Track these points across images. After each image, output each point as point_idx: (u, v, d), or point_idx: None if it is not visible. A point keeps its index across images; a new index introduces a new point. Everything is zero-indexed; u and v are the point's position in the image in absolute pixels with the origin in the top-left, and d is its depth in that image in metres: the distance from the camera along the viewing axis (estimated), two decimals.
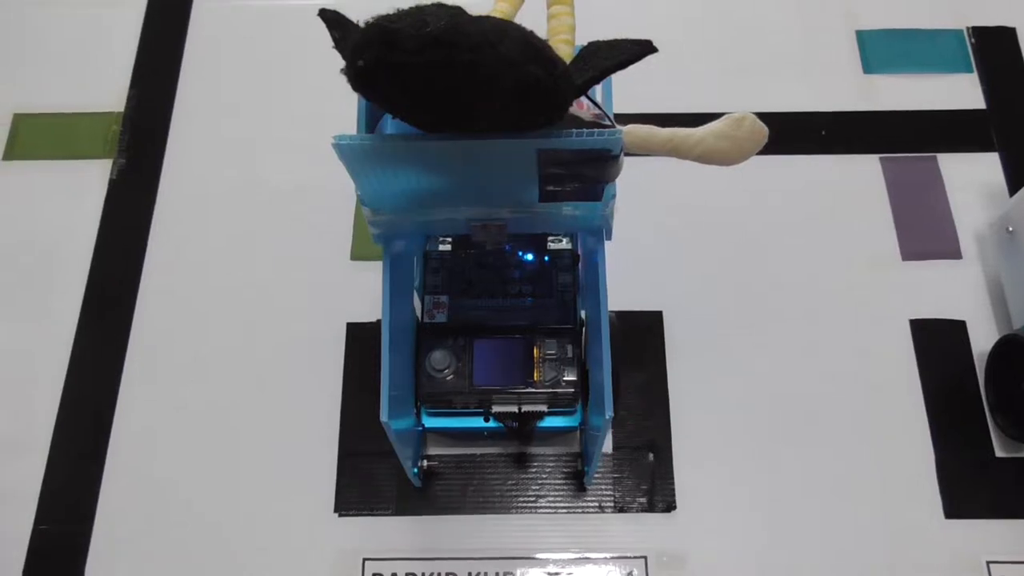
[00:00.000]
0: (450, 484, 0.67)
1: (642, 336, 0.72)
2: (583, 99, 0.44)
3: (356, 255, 0.75)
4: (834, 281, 0.74)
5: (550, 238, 0.60)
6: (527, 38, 0.35)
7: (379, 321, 0.51)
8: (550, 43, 0.41)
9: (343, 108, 0.49)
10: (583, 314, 0.59)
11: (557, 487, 0.67)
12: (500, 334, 0.58)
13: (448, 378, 0.57)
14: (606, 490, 0.67)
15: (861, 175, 0.78)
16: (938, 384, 0.70)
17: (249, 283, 0.74)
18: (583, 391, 0.58)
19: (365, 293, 0.73)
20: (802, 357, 0.71)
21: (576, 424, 0.61)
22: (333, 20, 0.37)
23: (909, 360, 0.71)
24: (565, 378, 0.57)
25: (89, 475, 0.68)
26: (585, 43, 0.40)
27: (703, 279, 0.74)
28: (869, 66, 0.83)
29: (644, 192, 0.72)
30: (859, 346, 0.71)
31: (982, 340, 0.71)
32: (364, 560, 0.65)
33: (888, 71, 0.83)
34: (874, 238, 0.75)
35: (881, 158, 0.78)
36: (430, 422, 0.61)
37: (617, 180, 0.44)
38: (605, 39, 0.39)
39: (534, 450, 0.67)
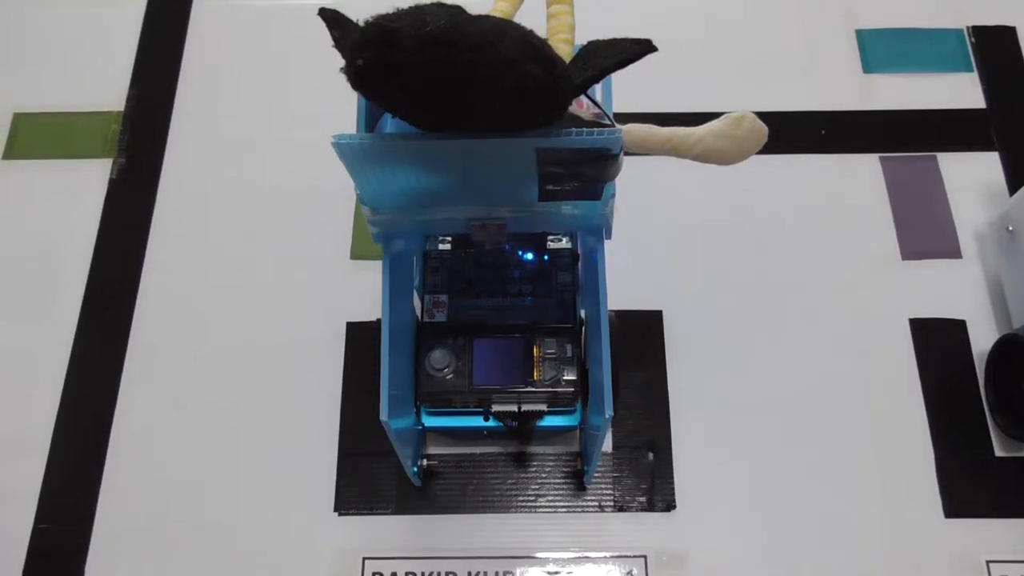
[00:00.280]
0: (450, 483, 0.67)
1: (642, 335, 0.72)
2: (582, 98, 0.44)
3: (356, 254, 0.75)
4: (834, 280, 0.74)
5: (550, 237, 0.60)
6: (526, 37, 0.35)
7: (379, 320, 0.51)
8: (550, 42, 0.41)
9: (343, 108, 0.49)
10: (583, 313, 0.59)
11: (557, 486, 0.67)
12: (500, 333, 0.58)
13: (448, 377, 0.57)
14: (606, 489, 0.67)
15: (861, 174, 0.78)
16: (938, 383, 0.70)
17: (249, 282, 0.74)
18: (583, 390, 0.58)
19: (365, 292, 0.73)
20: (802, 356, 0.71)
21: (576, 423, 0.61)
22: (333, 19, 0.37)
23: (909, 360, 0.71)
24: (565, 377, 0.57)
25: (89, 475, 0.68)
26: (584, 42, 0.40)
27: (703, 278, 0.74)
28: (869, 65, 0.83)
29: (644, 191, 0.72)
30: (859, 345, 0.71)
31: (982, 339, 0.71)
32: (364, 559, 0.65)
33: (888, 70, 0.83)
34: (874, 237, 0.75)
35: (881, 157, 0.78)
36: (430, 421, 0.61)
37: (616, 179, 0.44)
38: (604, 38, 0.39)
39: (534, 449, 0.68)
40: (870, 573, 0.64)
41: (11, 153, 0.80)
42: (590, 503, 0.66)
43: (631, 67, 0.39)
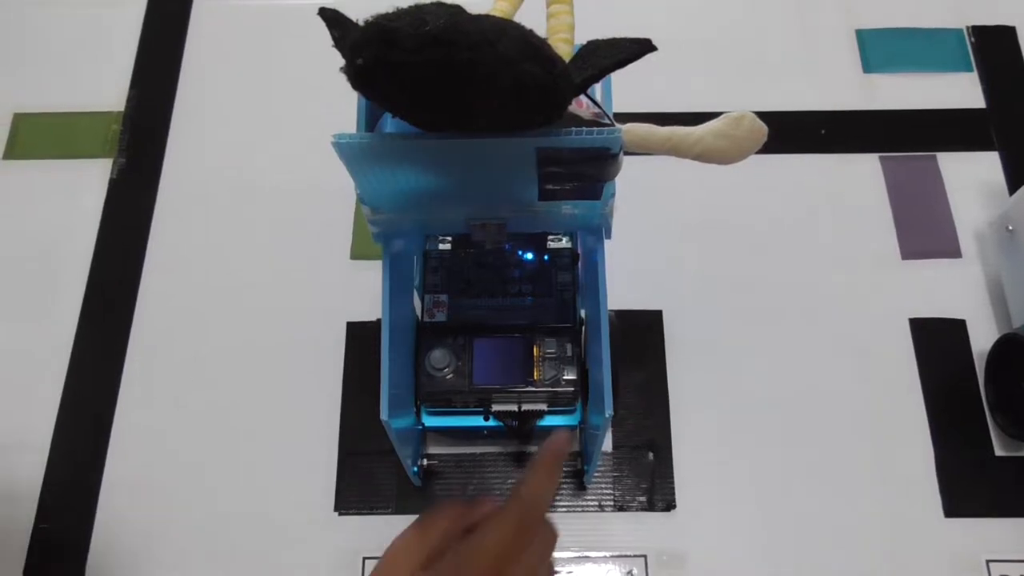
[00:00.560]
0: (450, 483, 0.67)
1: (642, 335, 0.72)
2: (582, 98, 0.44)
3: (356, 254, 0.75)
4: (834, 280, 0.74)
5: (550, 237, 0.60)
6: (526, 37, 0.35)
7: (379, 320, 0.51)
8: (549, 42, 0.41)
9: (342, 107, 0.49)
10: (582, 313, 0.59)
11: (557, 486, 0.66)
12: (500, 333, 0.58)
13: (448, 377, 0.57)
14: (606, 489, 0.67)
15: (861, 174, 0.78)
16: (938, 383, 0.70)
17: (249, 282, 0.74)
18: (583, 390, 0.58)
19: (365, 292, 0.73)
20: (802, 356, 0.71)
21: (576, 423, 0.61)
22: (332, 19, 0.37)
23: (909, 359, 0.71)
24: (565, 377, 0.57)
25: (89, 475, 0.68)
26: (584, 42, 0.40)
27: (703, 278, 0.74)
28: (869, 65, 0.83)
29: (643, 191, 0.72)
30: (859, 345, 0.71)
31: (982, 339, 0.71)
32: (364, 559, 0.65)
33: (888, 70, 0.83)
34: (874, 237, 0.75)
35: (881, 157, 0.78)
36: (430, 421, 0.61)
37: (616, 179, 0.45)
38: (604, 38, 0.39)
39: (534, 449, 0.67)
40: (870, 573, 0.64)
41: (11, 153, 0.80)
42: (590, 503, 0.66)
43: (630, 66, 0.38)
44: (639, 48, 0.37)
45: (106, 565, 0.65)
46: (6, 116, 0.82)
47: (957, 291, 0.73)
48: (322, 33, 0.38)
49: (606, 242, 0.52)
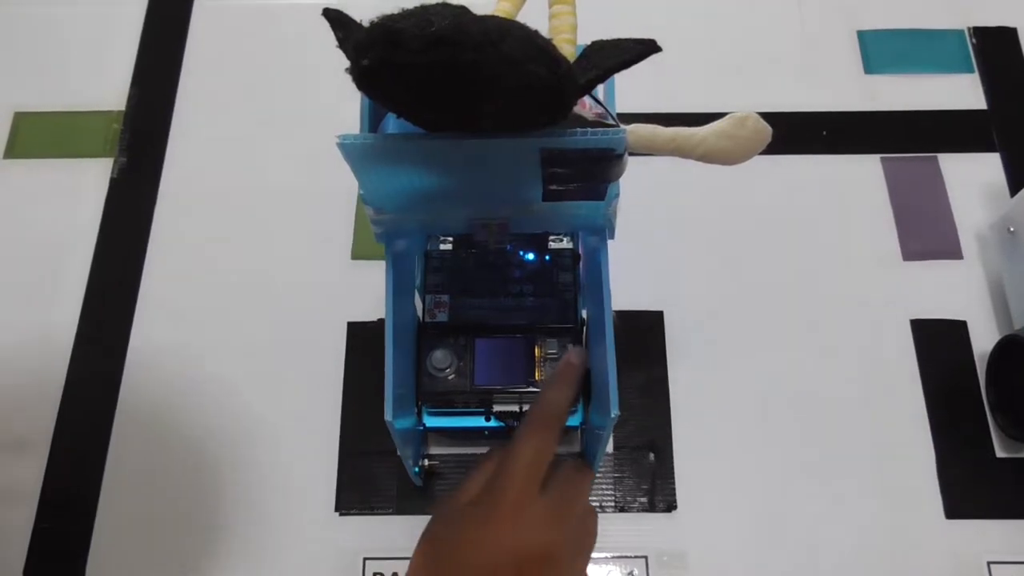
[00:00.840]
0: (451, 483, 0.67)
1: (643, 336, 0.72)
2: (586, 98, 0.44)
3: (357, 254, 0.75)
4: (835, 281, 0.74)
5: (551, 237, 0.60)
6: (531, 37, 0.35)
7: (380, 320, 0.51)
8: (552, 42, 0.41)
9: (344, 107, 0.49)
10: (584, 313, 0.59)
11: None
12: (501, 333, 0.58)
13: (449, 377, 0.57)
14: (607, 490, 0.67)
15: (862, 175, 0.78)
16: (939, 384, 0.70)
17: (249, 282, 0.74)
18: (584, 390, 0.58)
19: (366, 293, 0.73)
20: (803, 357, 0.71)
21: (577, 424, 0.61)
22: (336, 19, 0.37)
23: (910, 360, 0.71)
24: None
25: (89, 475, 0.68)
26: (587, 42, 0.40)
27: (704, 279, 0.74)
28: (870, 66, 0.83)
29: (645, 192, 0.72)
30: (860, 346, 0.71)
31: (983, 340, 0.71)
32: (365, 559, 0.65)
33: (889, 71, 0.83)
34: (875, 238, 0.75)
35: (882, 158, 0.78)
36: (431, 421, 0.61)
37: (619, 179, 0.45)
38: (608, 38, 0.39)
39: None
40: (871, 574, 0.64)
41: (12, 152, 0.80)
42: (591, 503, 0.66)
43: (633, 67, 0.39)
44: (643, 49, 0.37)
45: (106, 565, 0.65)
46: (6, 115, 0.82)
47: (958, 292, 0.73)
48: (323, 33, 0.38)
49: (608, 242, 0.52)
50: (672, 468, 0.67)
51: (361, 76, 0.35)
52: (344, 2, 0.39)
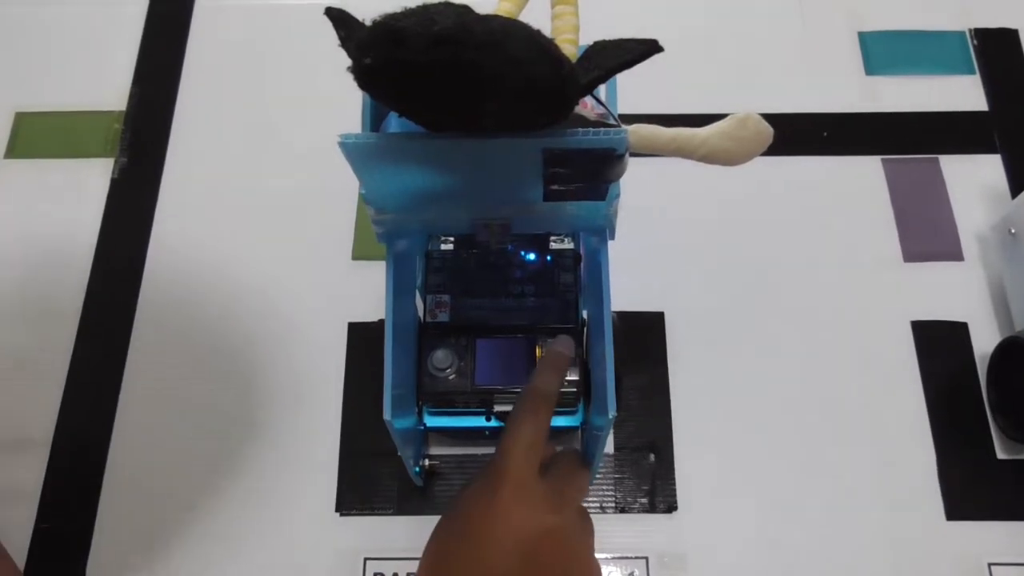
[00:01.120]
0: (451, 483, 0.67)
1: (644, 337, 0.72)
2: (587, 98, 0.44)
3: (357, 255, 0.75)
4: (836, 283, 0.74)
5: (552, 238, 0.60)
6: (534, 37, 0.35)
7: (381, 321, 0.50)
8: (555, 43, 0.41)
9: (344, 107, 0.49)
10: (584, 314, 0.59)
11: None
12: (502, 333, 0.58)
13: (450, 377, 0.57)
14: (607, 491, 0.67)
15: (863, 176, 0.78)
16: (940, 386, 0.70)
17: (250, 283, 0.74)
18: (584, 391, 0.58)
19: (367, 293, 0.73)
20: (803, 359, 0.71)
21: (577, 424, 0.61)
22: (339, 18, 0.37)
23: (911, 362, 0.71)
24: (567, 378, 0.56)
25: (90, 474, 0.68)
26: (589, 43, 0.40)
27: (705, 280, 0.74)
28: (871, 68, 0.83)
29: (646, 192, 0.71)
30: (861, 348, 0.71)
31: (984, 342, 0.71)
32: (365, 560, 0.65)
33: (890, 73, 0.83)
34: (876, 240, 0.75)
35: (883, 159, 0.78)
36: (432, 421, 0.61)
37: (620, 180, 0.44)
38: (610, 38, 0.39)
39: None
40: (872, 575, 0.64)
41: (13, 152, 0.80)
42: (591, 504, 0.66)
43: (635, 67, 0.38)
44: (645, 49, 0.37)
45: (106, 565, 0.65)
46: (8, 115, 0.82)
47: (959, 294, 0.73)
48: (324, 32, 0.38)
49: (608, 243, 0.52)
50: (672, 469, 0.67)
51: (363, 75, 0.35)
52: (346, 1, 0.39)
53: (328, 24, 0.38)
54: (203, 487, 0.67)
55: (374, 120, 0.46)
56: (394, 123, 0.45)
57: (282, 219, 0.77)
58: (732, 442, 0.68)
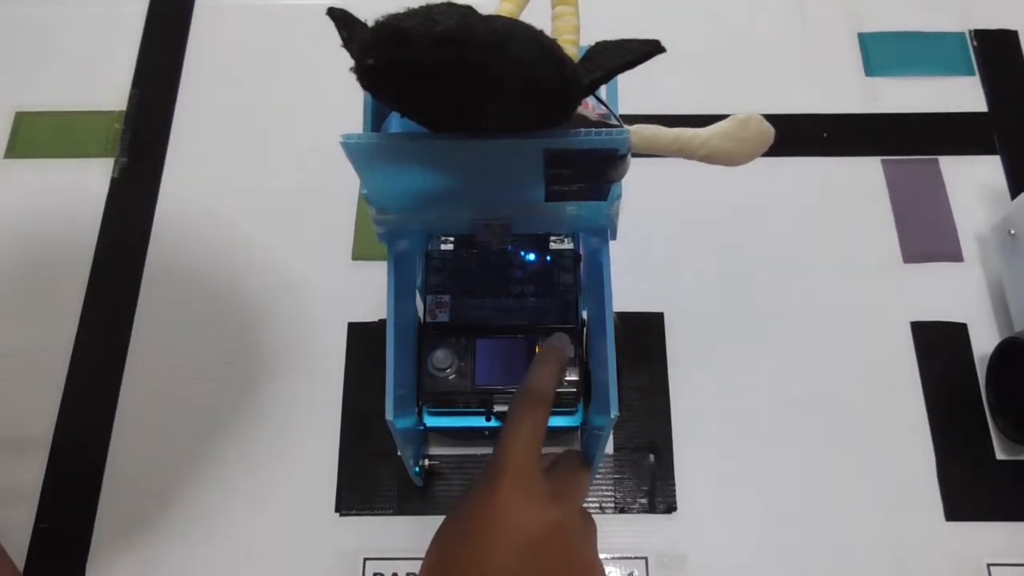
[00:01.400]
0: (451, 484, 0.67)
1: (644, 337, 0.72)
2: (589, 99, 0.44)
3: (358, 255, 0.75)
4: (835, 283, 0.74)
5: (552, 238, 0.60)
6: (537, 37, 0.35)
7: (381, 321, 0.50)
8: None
9: (345, 107, 0.49)
10: (584, 314, 0.59)
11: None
12: (502, 334, 0.58)
13: (450, 377, 0.57)
14: (607, 491, 0.67)
15: (863, 177, 0.78)
16: (939, 387, 0.70)
17: (250, 282, 0.74)
18: (584, 391, 0.58)
19: (366, 293, 0.73)
20: (803, 359, 0.71)
21: (577, 424, 0.61)
22: (341, 19, 0.37)
23: (910, 362, 0.71)
24: (567, 378, 0.57)
25: (90, 474, 0.68)
26: (589, 43, 0.40)
27: (705, 281, 0.74)
28: (871, 69, 0.83)
29: (646, 193, 0.72)
30: (860, 348, 0.71)
31: (983, 343, 0.71)
32: (365, 560, 0.65)
33: (890, 74, 0.83)
34: (875, 240, 0.75)
35: (883, 160, 0.79)
36: (432, 421, 0.61)
37: (622, 180, 0.45)
38: (612, 39, 0.39)
39: None
40: (871, 575, 0.64)
41: (13, 152, 0.80)
42: (591, 504, 0.66)
43: (636, 68, 0.39)
44: (648, 49, 0.37)
45: (106, 565, 0.65)
46: (8, 115, 0.82)
47: (959, 295, 0.73)
48: (324, 32, 0.38)
49: (609, 243, 0.52)
50: (672, 469, 0.67)
51: (366, 75, 0.35)
52: (348, 1, 0.39)
53: (328, 24, 0.38)
54: (203, 487, 0.67)
55: (375, 120, 0.46)
56: (395, 123, 0.45)
57: (282, 219, 0.77)
58: (732, 442, 0.68)
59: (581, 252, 0.60)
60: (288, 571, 0.65)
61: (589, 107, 0.44)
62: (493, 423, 0.60)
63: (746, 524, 0.66)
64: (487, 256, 0.60)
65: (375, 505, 0.66)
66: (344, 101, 0.49)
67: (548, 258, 0.60)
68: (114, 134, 0.81)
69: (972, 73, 0.83)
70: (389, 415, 0.49)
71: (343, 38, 0.37)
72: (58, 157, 0.80)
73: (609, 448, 0.68)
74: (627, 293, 0.71)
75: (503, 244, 0.53)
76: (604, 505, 0.66)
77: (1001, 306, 0.72)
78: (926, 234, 0.76)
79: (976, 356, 0.71)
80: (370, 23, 0.35)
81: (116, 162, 0.79)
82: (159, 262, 0.75)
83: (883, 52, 0.84)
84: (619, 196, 0.47)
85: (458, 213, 0.48)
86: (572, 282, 0.59)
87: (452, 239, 0.61)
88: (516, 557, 0.44)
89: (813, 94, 0.82)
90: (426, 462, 0.65)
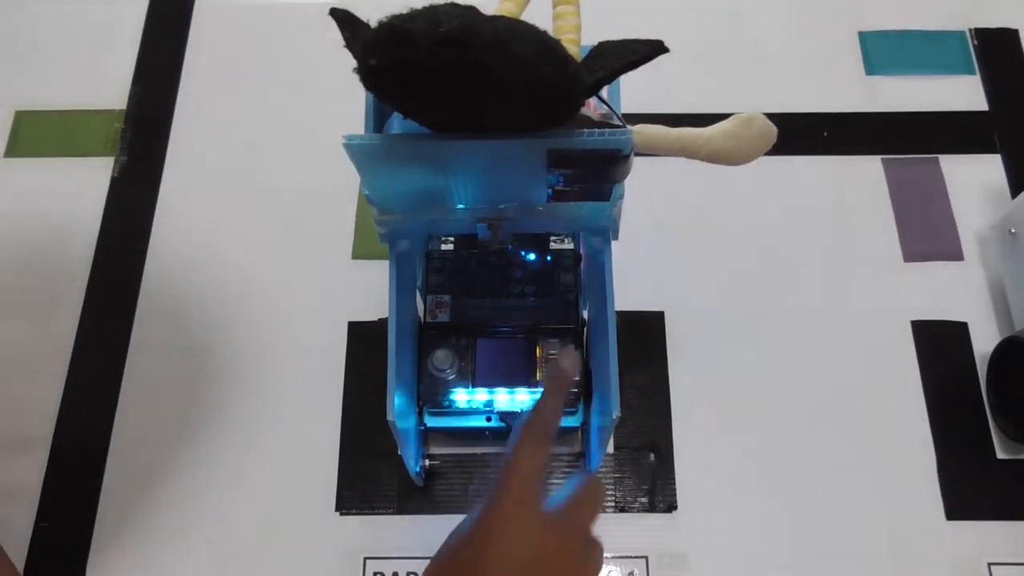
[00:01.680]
0: (452, 483, 0.67)
1: (644, 337, 0.72)
2: (591, 99, 0.44)
3: (358, 254, 0.75)
4: (836, 282, 0.74)
5: (552, 238, 0.60)
6: (540, 38, 0.35)
7: (381, 320, 0.51)
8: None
9: (345, 107, 0.49)
10: (584, 314, 0.59)
11: (558, 487, 0.66)
12: (502, 334, 0.58)
13: (451, 377, 0.57)
14: (607, 490, 0.67)
15: (863, 176, 0.78)
16: (940, 386, 0.70)
17: (250, 282, 0.74)
18: (585, 391, 0.58)
19: (367, 292, 0.73)
20: (804, 358, 0.71)
21: (578, 424, 0.61)
22: (344, 19, 0.37)
23: (911, 361, 0.71)
24: None
25: (90, 473, 0.68)
26: (590, 43, 0.40)
27: (705, 280, 0.74)
28: (872, 68, 0.83)
29: (646, 192, 0.72)
30: (861, 347, 0.71)
31: (984, 342, 0.71)
32: (365, 559, 0.65)
33: (890, 73, 0.83)
34: (876, 239, 0.75)
35: (883, 159, 0.79)
36: (432, 421, 0.61)
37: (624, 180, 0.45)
38: (615, 39, 0.39)
39: None
40: (871, 575, 0.64)
41: (13, 151, 0.80)
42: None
43: (639, 68, 0.38)
44: (651, 50, 0.37)
45: (106, 565, 0.65)
46: (8, 114, 0.82)
47: (959, 294, 0.73)
48: (324, 32, 0.38)
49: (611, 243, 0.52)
50: (672, 468, 0.67)
51: (369, 76, 0.35)
52: (350, 2, 0.39)
53: (330, 23, 0.38)
54: (202, 487, 0.67)
55: (377, 121, 0.46)
56: (397, 124, 0.45)
57: (282, 219, 0.77)
58: (732, 441, 0.68)
59: (581, 252, 0.60)
60: (288, 570, 0.65)
61: (592, 107, 0.44)
62: (493, 423, 0.60)
63: (746, 523, 0.66)
64: (487, 256, 0.60)
65: (375, 504, 0.66)
66: (344, 100, 0.48)
67: (548, 258, 0.60)
68: (114, 133, 0.80)
69: (973, 72, 0.83)
70: (389, 415, 0.49)
71: (346, 39, 0.37)
72: (58, 156, 0.80)
73: (609, 447, 0.68)
74: (628, 292, 0.71)
75: (505, 244, 0.53)
76: (604, 504, 0.66)
77: (1002, 305, 0.72)
78: (926, 233, 0.76)
79: (976, 355, 0.71)
80: (372, 23, 0.35)
81: (116, 161, 0.79)
82: (159, 261, 0.75)
83: (884, 51, 0.84)
84: (622, 196, 0.47)
85: (460, 213, 0.48)
86: (572, 282, 0.59)
87: (452, 239, 0.61)
88: None
89: (813, 93, 0.82)
90: (426, 462, 0.65)
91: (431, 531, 0.66)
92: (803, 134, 0.80)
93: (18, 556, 0.65)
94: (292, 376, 0.71)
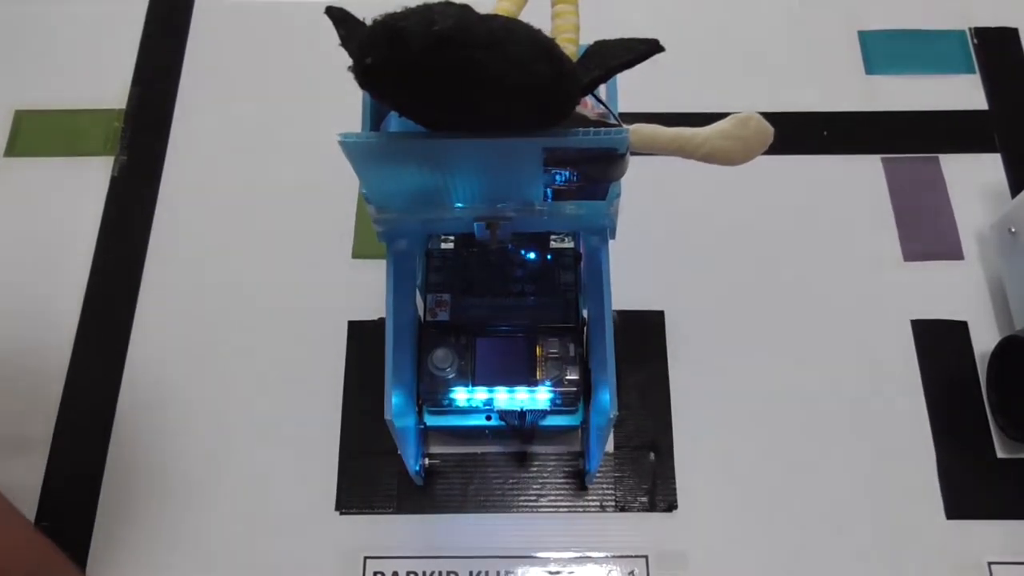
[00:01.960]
0: (452, 483, 0.67)
1: (644, 335, 0.72)
2: (588, 98, 0.44)
3: (357, 253, 0.75)
4: (835, 282, 0.74)
5: (553, 237, 0.60)
6: (535, 36, 0.35)
7: (381, 320, 0.50)
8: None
9: (345, 106, 0.49)
10: (585, 313, 0.59)
11: (558, 486, 0.67)
12: (502, 333, 0.58)
13: (450, 376, 0.57)
14: (607, 489, 0.67)
15: (863, 176, 0.78)
16: (939, 385, 0.70)
17: (250, 281, 0.74)
18: (585, 390, 0.58)
19: (366, 291, 0.73)
20: (803, 357, 0.71)
21: (578, 423, 0.61)
22: (339, 17, 0.37)
23: (910, 361, 0.71)
24: (567, 377, 0.57)
25: (90, 473, 0.68)
26: (589, 42, 0.40)
27: (705, 279, 0.74)
28: (871, 67, 0.83)
29: (646, 191, 0.72)
30: (860, 347, 0.71)
31: (984, 341, 0.71)
32: (365, 559, 0.65)
33: (890, 72, 0.83)
34: (875, 239, 0.75)
35: (883, 159, 0.78)
36: (432, 421, 0.61)
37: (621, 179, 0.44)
38: (611, 38, 0.39)
39: (535, 449, 0.67)
40: (871, 574, 0.64)
41: (13, 150, 0.80)
42: (591, 503, 0.66)
43: (635, 67, 0.38)
44: (647, 48, 0.37)
45: (106, 565, 0.65)
46: (7, 113, 0.82)
47: (959, 293, 0.73)
48: (324, 31, 0.38)
49: (609, 242, 0.52)
50: (672, 468, 0.67)
51: (364, 75, 0.35)
52: (346, 0, 0.39)
53: (328, 23, 0.38)
54: (202, 486, 0.67)
55: (374, 119, 0.46)
56: (394, 122, 0.45)
57: (282, 217, 0.77)
58: (732, 441, 0.68)
59: (581, 251, 0.60)
60: (288, 570, 0.65)
61: (588, 106, 0.44)
62: (493, 422, 0.60)
63: (746, 522, 0.66)
64: (487, 255, 0.60)
65: (375, 504, 0.66)
66: (343, 100, 0.48)
67: (548, 257, 0.60)
68: (114, 132, 0.81)
69: (972, 71, 0.83)
70: (387, 414, 0.49)
71: (341, 37, 0.37)
72: (58, 156, 0.80)
73: (609, 446, 0.68)
74: (627, 291, 0.71)
75: (503, 243, 0.53)
76: (605, 504, 0.66)
77: (1002, 304, 0.72)
78: (926, 232, 0.76)
79: (977, 354, 0.71)
80: (368, 22, 0.35)
81: (116, 160, 0.79)
82: (159, 261, 0.75)
83: (883, 50, 0.84)
84: (618, 195, 0.47)
85: (459, 212, 0.48)
86: (573, 281, 0.59)
87: (452, 238, 0.61)
88: None
89: (813, 92, 0.82)
90: (426, 461, 0.65)
91: (431, 530, 0.66)
92: (802, 133, 0.80)
93: None
94: (292, 376, 0.71)
